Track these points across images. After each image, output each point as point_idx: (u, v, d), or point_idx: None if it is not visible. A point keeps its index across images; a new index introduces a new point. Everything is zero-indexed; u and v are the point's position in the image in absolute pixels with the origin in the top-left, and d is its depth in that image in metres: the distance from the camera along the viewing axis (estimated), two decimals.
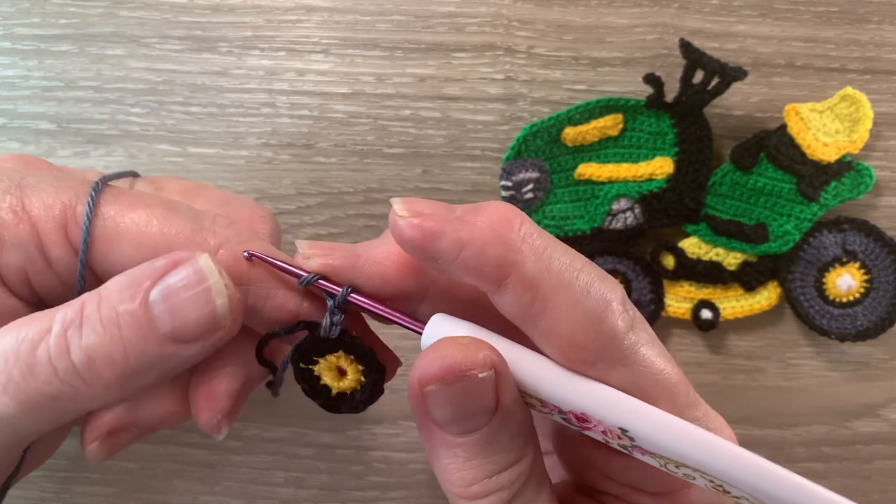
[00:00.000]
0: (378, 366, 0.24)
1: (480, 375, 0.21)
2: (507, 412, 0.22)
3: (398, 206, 0.21)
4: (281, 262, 0.24)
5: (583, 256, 0.22)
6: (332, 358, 0.24)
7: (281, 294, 0.24)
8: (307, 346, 0.24)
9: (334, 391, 0.25)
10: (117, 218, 0.24)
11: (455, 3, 0.37)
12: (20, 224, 0.23)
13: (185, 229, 0.24)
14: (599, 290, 0.21)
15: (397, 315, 0.24)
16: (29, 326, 0.22)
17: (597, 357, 0.21)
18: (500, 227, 0.21)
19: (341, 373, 0.25)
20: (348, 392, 0.25)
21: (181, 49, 0.37)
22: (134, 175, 0.29)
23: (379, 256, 0.24)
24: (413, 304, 0.24)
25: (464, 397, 0.21)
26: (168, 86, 0.37)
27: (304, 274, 0.24)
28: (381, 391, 0.25)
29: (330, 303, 0.24)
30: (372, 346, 0.24)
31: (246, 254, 0.24)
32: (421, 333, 0.23)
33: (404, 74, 0.37)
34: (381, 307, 0.24)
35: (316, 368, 0.25)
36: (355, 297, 0.24)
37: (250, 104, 0.37)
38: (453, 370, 0.21)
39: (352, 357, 0.24)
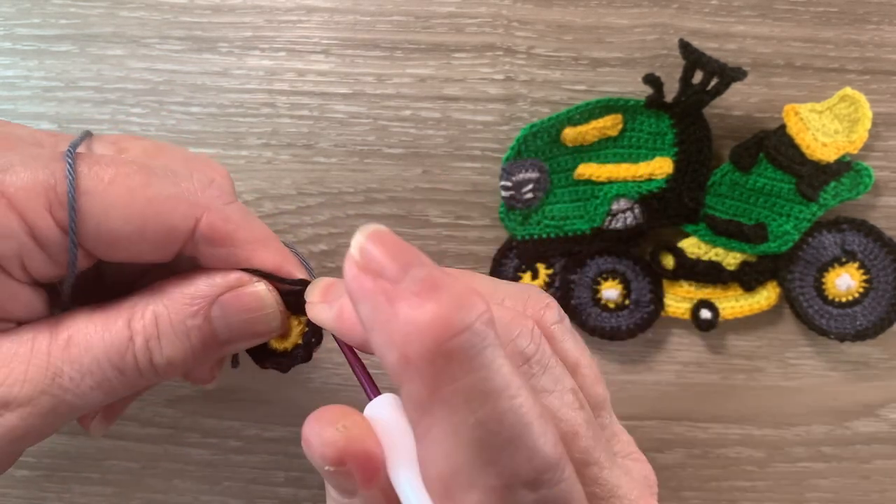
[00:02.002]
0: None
1: (325, 468, 0.20)
2: (368, 500, 0.21)
3: (356, 241, 0.19)
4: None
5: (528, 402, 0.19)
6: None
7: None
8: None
9: (280, 349, 0.27)
10: (102, 194, 0.24)
11: (455, 4, 0.37)
12: (7, 213, 0.23)
13: (170, 194, 0.25)
14: (497, 457, 0.18)
15: (361, 375, 0.24)
16: (111, 334, 0.25)
17: None
18: (417, 333, 0.18)
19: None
20: (292, 348, 0.27)
21: (181, 49, 0.37)
22: (89, 134, 0.29)
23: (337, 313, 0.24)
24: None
25: (328, 476, 0.21)
26: (168, 86, 0.37)
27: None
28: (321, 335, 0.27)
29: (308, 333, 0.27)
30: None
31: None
32: (371, 399, 0.22)
33: (404, 75, 0.37)
34: (354, 360, 0.25)
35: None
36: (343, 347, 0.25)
37: (250, 104, 0.37)
38: (311, 450, 0.21)
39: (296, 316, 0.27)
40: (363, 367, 0.24)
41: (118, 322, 0.25)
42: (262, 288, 0.26)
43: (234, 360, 0.30)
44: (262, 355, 0.28)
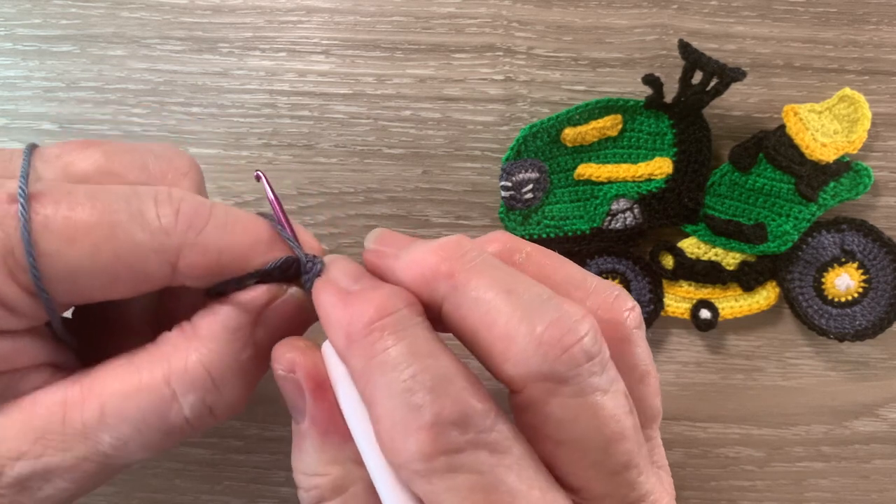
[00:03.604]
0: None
1: (279, 372, 0.24)
2: (313, 421, 0.24)
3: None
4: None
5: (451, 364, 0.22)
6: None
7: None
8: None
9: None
10: (65, 256, 0.22)
11: (455, 4, 0.37)
12: None
13: (137, 244, 0.22)
14: (421, 401, 0.20)
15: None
16: (148, 399, 0.23)
17: (398, 467, 0.21)
18: (356, 315, 0.22)
19: None
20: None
21: (182, 50, 0.37)
22: (34, 147, 0.25)
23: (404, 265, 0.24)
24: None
25: (281, 383, 0.24)
26: (169, 86, 0.37)
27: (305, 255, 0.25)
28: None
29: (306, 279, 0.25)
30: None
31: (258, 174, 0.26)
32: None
33: (404, 75, 0.37)
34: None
35: None
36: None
37: (251, 105, 0.37)
38: (276, 357, 0.24)
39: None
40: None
41: (154, 380, 0.23)
42: (295, 290, 0.25)
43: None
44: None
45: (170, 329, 0.25)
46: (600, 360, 0.21)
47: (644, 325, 0.25)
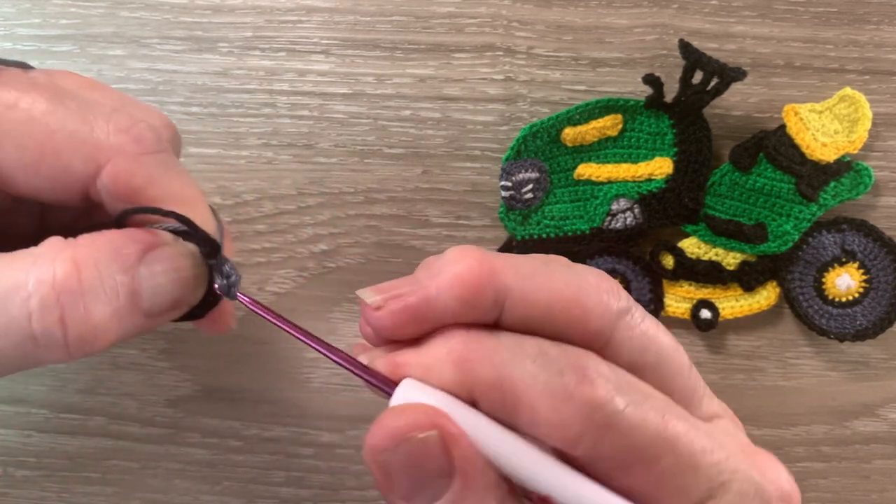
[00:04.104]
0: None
1: (421, 436, 0.20)
2: (466, 476, 0.20)
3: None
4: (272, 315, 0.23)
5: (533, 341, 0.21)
6: None
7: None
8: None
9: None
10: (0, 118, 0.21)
11: (455, 4, 0.37)
12: None
13: (73, 130, 0.21)
14: (569, 361, 0.20)
15: (369, 374, 0.22)
16: (4, 283, 0.20)
17: (580, 432, 0.19)
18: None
19: None
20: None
21: (182, 49, 0.37)
22: (25, 65, 0.25)
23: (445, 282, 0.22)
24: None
25: (412, 463, 0.20)
26: (169, 86, 0.37)
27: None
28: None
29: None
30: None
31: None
32: (390, 395, 0.21)
33: (404, 75, 0.37)
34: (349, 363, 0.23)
35: None
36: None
37: (251, 104, 0.37)
38: (393, 435, 0.20)
39: None
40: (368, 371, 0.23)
41: (17, 273, 0.20)
42: (193, 247, 0.23)
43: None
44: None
45: None
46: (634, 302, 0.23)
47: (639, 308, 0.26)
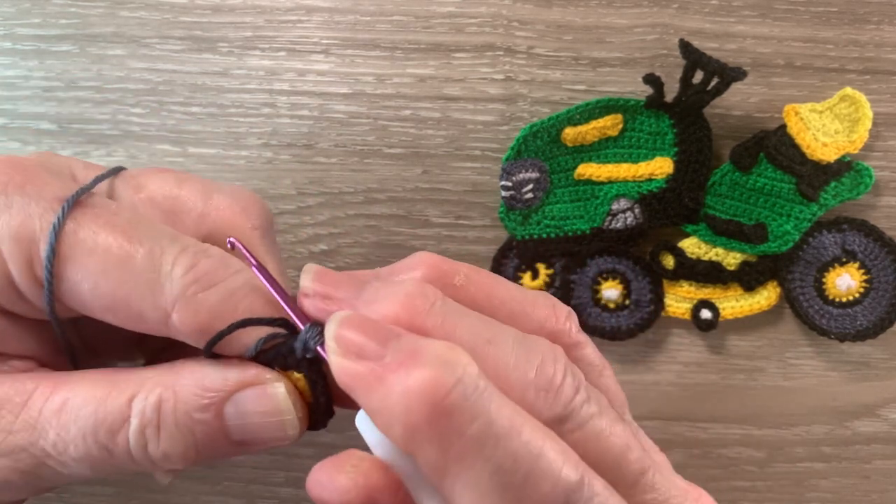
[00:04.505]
0: (327, 396, 0.24)
1: None
2: None
3: (330, 328, 0.20)
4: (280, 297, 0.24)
5: (535, 433, 0.19)
6: (294, 375, 0.24)
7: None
8: (279, 355, 0.24)
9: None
10: (78, 264, 0.22)
11: (455, 4, 0.37)
12: None
13: (141, 281, 0.22)
14: (521, 491, 0.19)
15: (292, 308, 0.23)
16: (106, 409, 0.23)
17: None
18: (415, 400, 0.19)
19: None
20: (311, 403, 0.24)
21: (181, 49, 0.37)
22: (118, 170, 0.27)
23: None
24: None
25: None
26: (168, 86, 0.37)
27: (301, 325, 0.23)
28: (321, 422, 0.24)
29: (309, 329, 0.23)
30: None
31: (230, 242, 0.24)
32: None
33: (404, 75, 0.37)
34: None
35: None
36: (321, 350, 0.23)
37: (251, 104, 0.37)
38: (340, 501, 0.20)
39: (306, 382, 0.24)
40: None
41: (120, 398, 0.23)
42: (281, 391, 0.23)
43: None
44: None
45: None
46: (584, 386, 0.22)
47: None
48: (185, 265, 0.23)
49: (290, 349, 0.23)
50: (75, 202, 0.23)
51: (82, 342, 0.27)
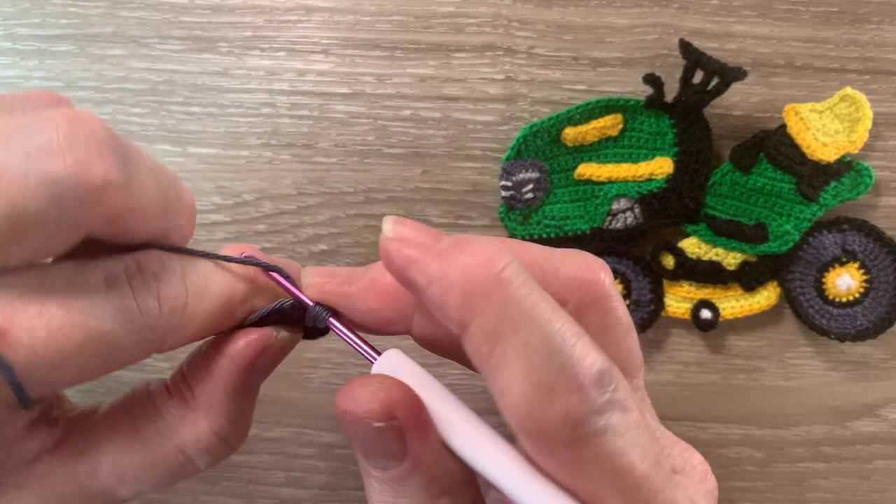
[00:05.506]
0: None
1: (376, 425, 0.21)
2: (417, 462, 0.21)
3: (387, 227, 0.21)
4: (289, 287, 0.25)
5: (572, 321, 0.20)
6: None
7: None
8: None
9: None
10: (47, 379, 0.20)
11: (455, 4, 0.37)
12: None
13: (131, 344, 0.22)
14: (568, 360, 0.19)
15: (355, 341, 0.24)
16: (163, 466, 0.24)
17: (540, 434, 0.19)
18: (474, 270, 0.19)
19: None
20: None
21: (181, 49, 0.37)
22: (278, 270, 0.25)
23: (363, 285, 0.24)
24: (399, 330, 0.24)
25: (366, 440, 0.21)
26: (168, 86, 0.37)
27: (310, 303, 0.24)
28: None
29: (317, 310, 0.25)
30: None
31: (245, 254, 0.24)
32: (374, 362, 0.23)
33: (404, 75, 0.37)
34: (344, 331, 0.24)
35: None
36: (332, 322, 0.24)
37: (250, 104, 0.37)
38: (352, 413, 0.21)
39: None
40: (357, 335, 0.24)
41: (168, 455, 0.24)
42: (284, 333, 0.25)
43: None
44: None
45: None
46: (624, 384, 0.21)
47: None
48: (151, 304, 0.22)
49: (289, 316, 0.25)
50: None
51: None
